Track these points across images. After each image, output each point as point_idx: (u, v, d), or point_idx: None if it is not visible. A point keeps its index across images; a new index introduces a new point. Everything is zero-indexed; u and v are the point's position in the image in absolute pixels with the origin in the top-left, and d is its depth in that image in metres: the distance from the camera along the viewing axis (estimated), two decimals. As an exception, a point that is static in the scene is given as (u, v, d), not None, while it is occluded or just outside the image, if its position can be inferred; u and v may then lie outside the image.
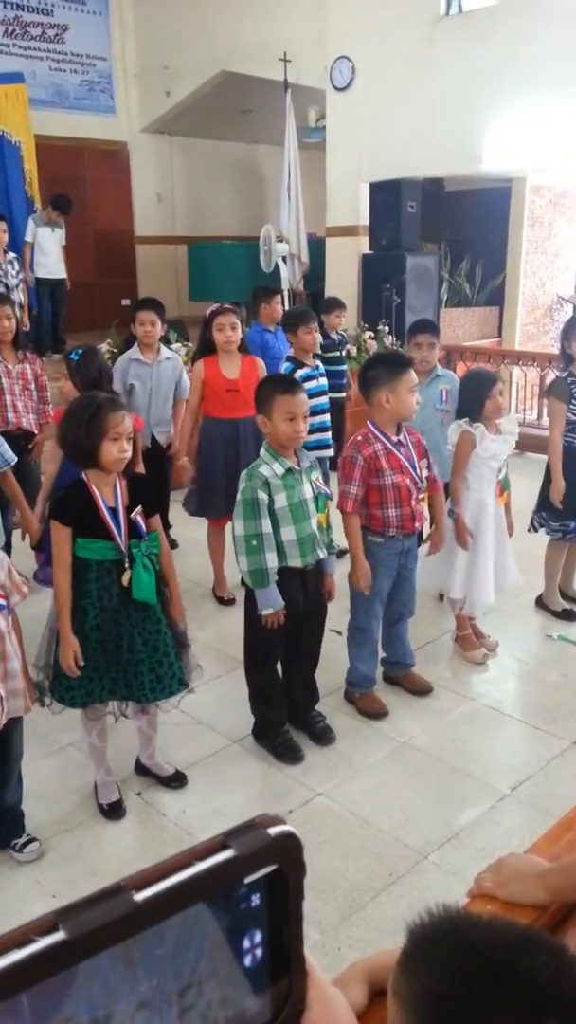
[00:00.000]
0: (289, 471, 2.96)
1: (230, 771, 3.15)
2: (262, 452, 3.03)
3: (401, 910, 2.43)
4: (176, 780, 3.04)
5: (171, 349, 6.39)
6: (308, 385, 4.64)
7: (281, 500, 2.95)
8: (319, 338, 4.82)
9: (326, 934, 2.35)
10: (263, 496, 2.91)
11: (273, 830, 0.48)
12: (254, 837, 0.47)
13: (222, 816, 2.88)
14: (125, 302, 10.99)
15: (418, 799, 2.95)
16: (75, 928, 0.41)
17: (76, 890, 2.55)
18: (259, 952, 0.49)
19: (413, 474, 3.28)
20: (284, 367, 4.70)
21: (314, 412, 4.67)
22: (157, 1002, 0.45)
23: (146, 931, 0.43)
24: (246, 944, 0.48)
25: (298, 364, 4.69)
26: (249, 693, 3.28)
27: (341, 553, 3.42)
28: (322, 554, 3.08)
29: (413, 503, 3.29)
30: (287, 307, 8.28)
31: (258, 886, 0.47)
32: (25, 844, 2.70)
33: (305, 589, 3.09)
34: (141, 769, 3.10)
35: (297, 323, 4.72)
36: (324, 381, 4.77)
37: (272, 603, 2.96)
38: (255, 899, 0.48)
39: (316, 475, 3.08)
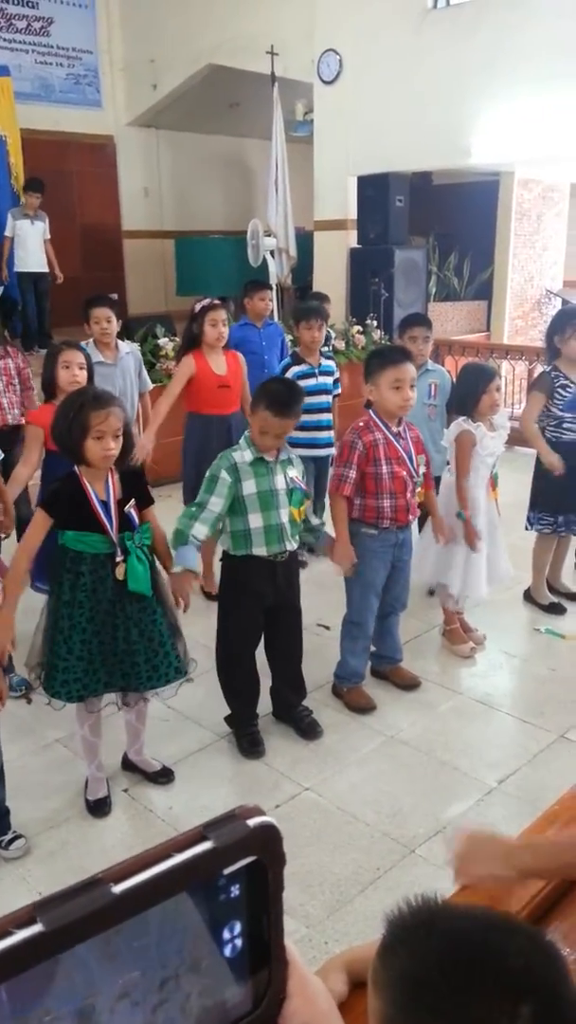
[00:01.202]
0: (260, 459, 2.98)
1: (217, 766, 3.15)
2: (241, 439, 3.07)
3: (388, 904, 2.41)
4: (163, 776, 3.04)
5: (158, 344, 6.40)
6: (304, 383, 4.66)
7: (250, 487, 2.97)
8: (321, 336, 4.76)
9: (313, 928, 2.35)
10: (226, 477, 2.95)
11: (252, 821, 0.48)
12: (233, 828, 0.47)
13: (209, 812, 2.86)
14: (113, 297, 10.95)
15: (406, 793, 2.95)
16: (53, 920, 0.41)
17: (61, 887, 2.53)
18: (239, 942, 0.49)
19: (410, 467, 3.28)
20: (285, 362, 4.73)
21: (308, 410, 4.69)
22: (138, 992, 0.45)
23: (125, 923, 0.43)
24: (226, 935, 0.48)
25: (296, 361, 4.69)
26: (220, 684, 3.29)
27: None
28: (290, 547, 3.07)
29: (408, 495, 3.29)
30: (275, 301, 8.30)
31: (237, 877, 0.47)
32: (11, 841, 2.69)
33: (274, 580, 3.09)
34: (128, 765, 3.09)
35: (297, 320, 4.74)
36: (324, 380, 4.74)
37: (182, 562, 2.93)
38: (235, 890, 0.48)
39: (293, 472, 3.07)
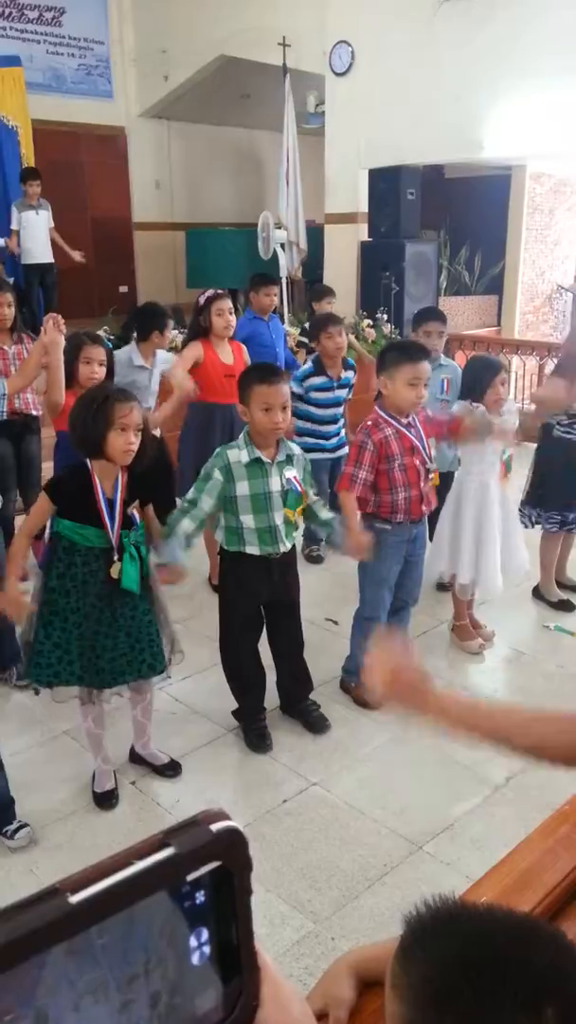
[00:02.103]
0: (256, 460, 2.95)
1: (224, 760, 3.15)
2: (241, 435, 3.04)
3: (395, 901, 2.43)
4: (170, 769, 3.04)
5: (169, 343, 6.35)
6: (320, 396, 4.65)
7: (243, 488, 2.95)
8: (344, 342, 4.71)
9: (320, 924, 2.35)
10: (218, 477, 2.94)
11: (216, 826, 0.47)
12: (195, 834, 0.47)
13: (216, 805, 2.86)
14: (123, 289, 10.95)
15: (413, 789, 2.94)
16: (8, 932, 0.40)
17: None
18: (206, 950, 0.48)
19: (423, 454, 3.26)
20: (307, 369, 4.71)
21: (322, 421, 4.68)
22: (102, 991, 0.44)
23: (82, 933, 0.42)
24: (192, 942, 0.47)
25: (318, 371, 4.67)
26: (226, 678, 3.30)
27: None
28: (284, 548, 3.05)
29: (423, 484, 3.27)
30: (284, 294, 8.29)
31: (202, 883, 0.46)
32: (16, 830, 2.69)
33: (270, 578, 3.08)
34: (135, 758, 3.09)
35: (318, 330, 4.68)
36: (340, 392, 4.71)
37: (166, 557, 2.92)
38: (199, 896, 0.47)
39: (292, 472, 3.03)
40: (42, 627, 2.69)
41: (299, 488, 3.04)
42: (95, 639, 2.70)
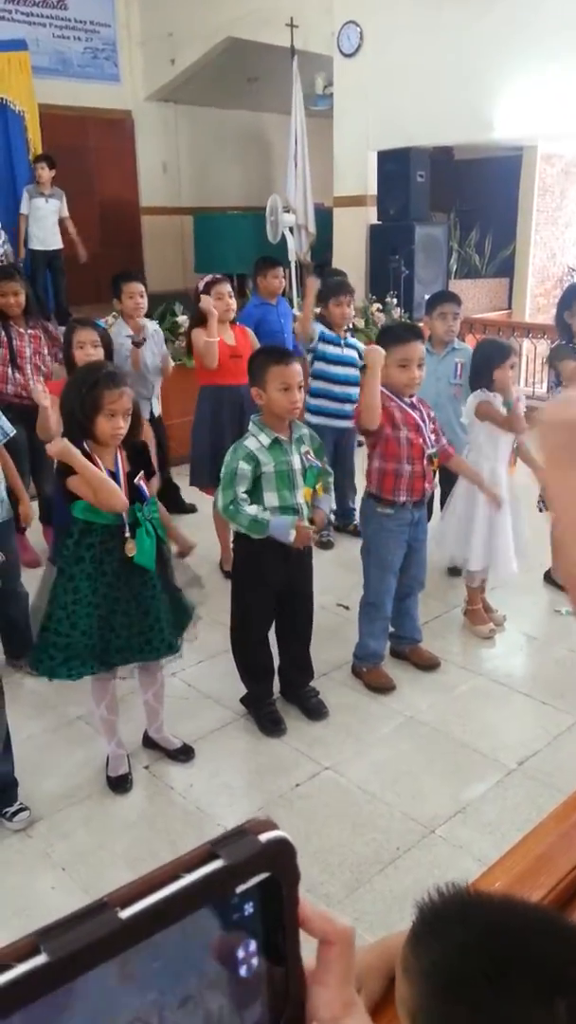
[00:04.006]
0: (276, 441, 2.96)
1: (237, 744, 3.16)
2: (251, 425, 3.03)
3: (408, 884, 2.45)
4: (183, 753, 3.05)
5: (177, 321, 6.40)
6: (330, 350, 4.67)
7: (269, 468, 2.96)
8: (350, 312, 4.75)
9: (333, 907, 2.36)
10: (244, 467, 2.93)
11: (264, 836, 0.46)
12: (244, 844, 0.45)
13: (229, 789, 2.89)
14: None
15: (425, 774, 2.95)
16: (57, 950, 0.39)
17: (84, 862, 2.57)
18: (255, 962, 0.47)
19: (426, 436, 3.27)
20: (315, 327, 4.74)
21: (336, 380, 4.69)
22: (155, 1016, 0.43)
23: (134, 948, 0.41)
24: (241, 954, 0.46)
25: (326, 325, 4.75)
26: (236, 665, 3.30)
27: (355, 531, 3.40)
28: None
29: (424, 462, 3.27)
30: (294, 278, 8.25)
31: (250, 895, 0.46)
32: (16, 812, 2.72)
33: (286, 566, 3.08)
34: (149, 742, 3.11)
35: (327, 297, 4.74)
36: (350, 352, 4.73)
37: (284, 530, 2.93)
38: (248, 908, 0.46)
39: (305, 447, 3.05)
40: (66, 618, 2.66)
41: (317, 463, 3.06)
42: (111, 617, 2.71)
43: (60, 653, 2.68)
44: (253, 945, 0.47)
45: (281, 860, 0.46)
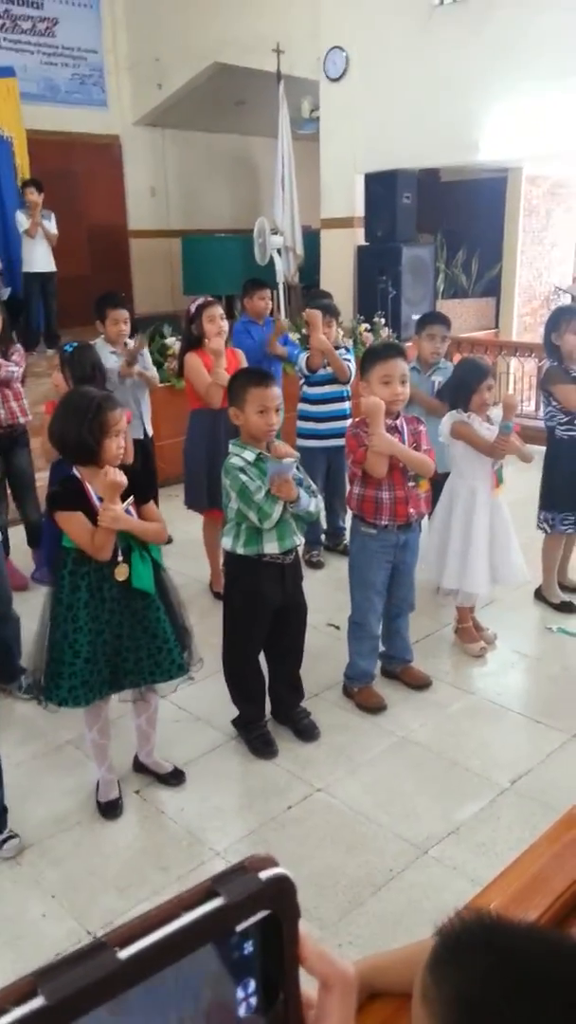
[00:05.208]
0: (259, 456, 2.97)
1: (228, 767, 3.14)
2: (231, 446, 3.04)
3: (402, 906, 2.42)
4: (174, 777, 3.03)
5: (166, 343, 6.43)
6: (318, 372, 4.71)
7: (256, 483, 2.95)
8: (332, 333, 4.76)
9: (326, 930, 2.34)
10: (247, 478, 2.92)
11: (264, 874, 0.46)
12: (244, 882, 0.45)
13: (221, 813, 2.86)
14: (123, 295, 10.94)
15: (418, 794, 2.93)
16: (55, 992, 0.38)
17: (75, 889, 2.54)
18: (253, 1001, 0.46)
19: None
20: (297, 352, 4.82)
21: (322, 400, 4.72)
22: None
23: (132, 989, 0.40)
24: (240, 994, 0.46)
25: (305, 345, 4.81)
26: (228, 686, 3.28)
27: (346, 550, 3.39)
28: (298, 540, 3.08)
29: (408, 485, 3.27)
30: (282, 300, 8.29)
31: (250, 933, 0.45)
32: (5, 840, 2.69)
33: (283, 582, 3.08)
34: (139, 767, 3.09)
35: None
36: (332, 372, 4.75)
37: (283, 469, 2.88)
38: (247, 947, 0.45)
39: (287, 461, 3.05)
40: (68, 647, 2.65)
41: (300, 476, 3.03)
42: (117, 643, 2.71)
43: (66, 681, 2.67)
44: (252, 984, 0.46)
45: (282, 898, 0.46)
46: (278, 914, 0.46)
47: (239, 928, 0.44)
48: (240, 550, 3.02)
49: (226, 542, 3.08)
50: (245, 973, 0.46)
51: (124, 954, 0.40)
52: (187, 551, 4.73)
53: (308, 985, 0.51)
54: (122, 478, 2.59)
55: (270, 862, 0.46)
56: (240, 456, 2.98)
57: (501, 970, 0.61)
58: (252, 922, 0.45)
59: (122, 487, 2.59)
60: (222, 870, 0.45)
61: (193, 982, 0.43)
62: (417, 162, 8.42)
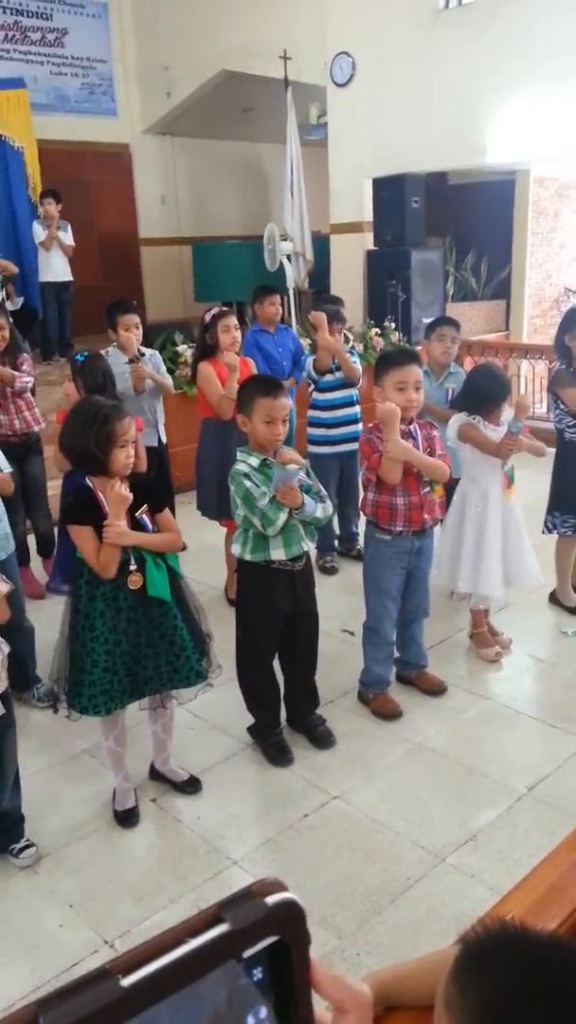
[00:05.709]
0: (264, 462, 2.98)
1: (244, 775, 3.14)
2: (238, 453, 3.04)
3: (420, 915, 2.41)
4: (191, 785, 3.03)
5: (177, 351, 6.45)
6: (326, 378, 4.71)
7: (262, 488, 2.95)
8: (339, 339, 4.78)
9: (344, 939, 2.33)
10: (251, 485, 2.92)
11: (271, 899, 0.45)
12: (251, 908, 0.44)
13: (237, 821, 2.86)
14: (134, 302, 10.99)
15: (434, 801, 2.92)
16: (56, 1021, 0.38)
17: (92, 898, 2.54)
18: None
19: None
20: (305, 356, 4.86)
21: (331, 406, 4.73)
22: None
23: (136, 1017, 0.40)
24: (251, 1020, 0.45)
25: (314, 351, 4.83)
26: (242, 693, 3.28)
27: (359, 555, 3.38)
28: (307, 546, 3.06)
29: (422, 491, 3.26)
30: (293, 305, 8.30)
31: (259, 959, 0.44)
32: (23, 849, 2.70)
33: (293, 590, 3.08)
34: (155, 775, 3.09)
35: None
36: (342, 375, 4.77)
37: (287, 476, 2.87)
38: (257, 973, 0.44)
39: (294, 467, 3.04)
40: (86, 656, 2.67)
41: (309, 482, 3.03)
42: (136, 652, 2.72)
43: (87, 690, 2.69)
44: (264, 1011, 0.45)
45: (290, 923, 0.45)
46: (287, 940, 0.45)
47: (246, 954, 0.44)
48: (248, 556, 3.03)
49: (235, 549, 3.09)
50: (256, 1000, 0.45)
51: (127, 981, 0.40)
52: (202, 558, 4.74)
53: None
54: (127, 494, 2.59)
55: (278, 887, 0.46)
56: (245, 462, 2.99)
57: (526, 980, 0.61)
58: (260, 948, 0.44)
59: (127, 502, 2.60)
60: (228, 896, 0.44)
61: (200, 1009, 0.43)
62: (425, 166, 8.42)
